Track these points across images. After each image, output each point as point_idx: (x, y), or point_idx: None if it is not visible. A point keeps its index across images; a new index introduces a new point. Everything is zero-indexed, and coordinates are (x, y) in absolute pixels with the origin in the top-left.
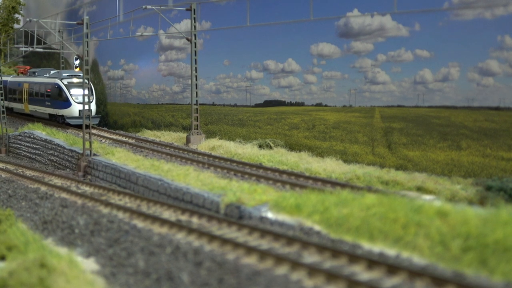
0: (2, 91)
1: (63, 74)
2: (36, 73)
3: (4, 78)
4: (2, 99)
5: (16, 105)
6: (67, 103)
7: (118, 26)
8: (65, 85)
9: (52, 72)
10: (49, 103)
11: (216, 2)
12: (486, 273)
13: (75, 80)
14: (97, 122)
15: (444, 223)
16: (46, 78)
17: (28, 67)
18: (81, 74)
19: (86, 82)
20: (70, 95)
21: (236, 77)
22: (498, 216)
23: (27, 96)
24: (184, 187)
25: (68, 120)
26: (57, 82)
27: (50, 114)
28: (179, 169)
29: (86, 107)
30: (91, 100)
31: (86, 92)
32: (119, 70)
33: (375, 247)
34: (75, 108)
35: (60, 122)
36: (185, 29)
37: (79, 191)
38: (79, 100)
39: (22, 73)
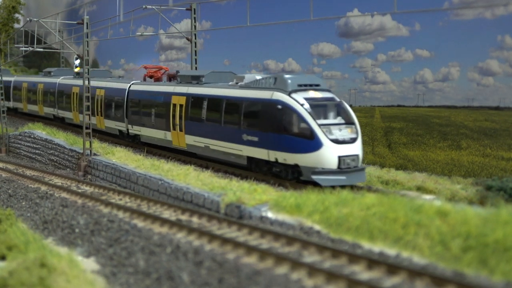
0: (3, 91)
1: (290, 81)
2: (203, 79)
3: (120, 85)
4: (2, 99)
5: (149, 132)
6: (311, 143)
7: (118, 26)
8: (301, 105)
9: (248, 77)
10: (258, 138)
11: (216, 2)
12: (486, 272)
13: (315, 94)
14: (364, 180)
15: (444, 222)
16: (241, 89)
17: (166, 68)
18: (321, 83)
19: (87, 84)
20: (319, 126)
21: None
22: (498, 216)
23: (180, 120)
24: (184, 187)
25: (315, 177)
26: (282, 98)
27: (252, 159)
28: (179, 168)
29: (87, 107)
30: (355, 136)
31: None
32: (119, 70)
33: (375, 247)
34: (330, 153)
35: (287, 178)
36: (185, 29)
37: (79, 190)
38: (336, 136)
39: (151, 77)
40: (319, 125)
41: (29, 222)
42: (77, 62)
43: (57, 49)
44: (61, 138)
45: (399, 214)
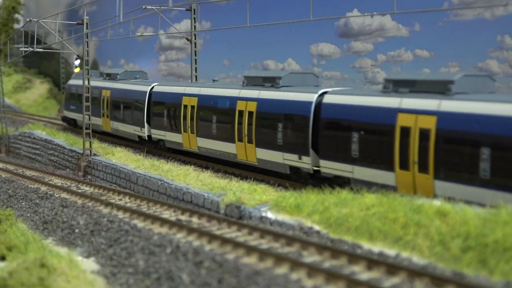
0: (3, 91)
1: None
2: None
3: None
4: (2, 99)
5: None
6: None
7: (118, 26)
8: None
9: None
10: None
11: (216, 2)
12: (485, 273)
13: None
14: None
15: (444, 223)
16: None
17: None
18: None
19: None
20: None
21: (236, 77)
22: (498, 216)
23: None
24: (184, 187)
25: None
26: None
27: None
28: (179, 169)
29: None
30: None
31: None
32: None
33: (375, 247)
34: None
35: None
36: (185, 29)
37: (79, 191)
38: None
39: None
40: None
41: (29, 223)
42: (77, 62)
43: (57, 50)
44: (61, 138)
45: (398, 214)
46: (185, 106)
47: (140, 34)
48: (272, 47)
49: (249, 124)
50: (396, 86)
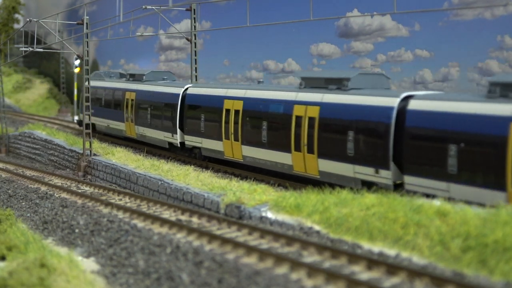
0: (3, 91)
1: None
2: None
3: None
4: (2, 99)
5: None
6: None
7: (118, 26)
8: None
9: None
10: None
11: (216, 2)
12: (485, 273)
13: None
14: None
15: (444, 223)
16: None
17: None
18: None
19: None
20: None
21: (236, 77)
22: (498, 216)
23: None
24: (184, 187)
25: None
26: None
27: None
28: (179, 169)
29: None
30: None
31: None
32: (119, 70)
33: (375, 247)
34: None
35: None
36: (185, 29)
37: (79, 191)
38: None
39: None
40: None
41: (29, 222)
42: (77, 62)
43: (57, 50)
44: (61, 138)
45: (398, 214)
46: (228, 111)
47: (140, 34)
48: (272, 47)
49: (310, 131)
50: (505, 90)
